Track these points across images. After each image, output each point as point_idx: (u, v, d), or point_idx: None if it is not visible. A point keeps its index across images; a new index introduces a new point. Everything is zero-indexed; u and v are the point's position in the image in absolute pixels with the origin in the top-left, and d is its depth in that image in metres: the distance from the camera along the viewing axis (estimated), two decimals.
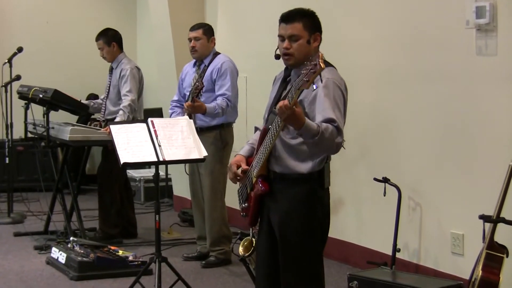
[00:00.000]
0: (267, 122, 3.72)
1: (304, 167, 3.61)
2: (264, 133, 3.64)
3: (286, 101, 3.30)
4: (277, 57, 3.71)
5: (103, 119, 6.91)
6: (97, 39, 7.03)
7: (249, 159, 3.81)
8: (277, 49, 3.69)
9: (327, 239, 3.77)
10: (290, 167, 3.63)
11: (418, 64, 5.39)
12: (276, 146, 3.63)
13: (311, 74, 3.18)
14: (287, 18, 3.67)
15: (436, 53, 5.22)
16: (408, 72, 5.50)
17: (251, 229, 4.12)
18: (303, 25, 3.64)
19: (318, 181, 3.64)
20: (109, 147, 6.60)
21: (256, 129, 3.98)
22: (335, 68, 3.71)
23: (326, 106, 3.49)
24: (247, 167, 3.76)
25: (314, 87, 3.31)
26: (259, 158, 3.66)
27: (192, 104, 5.68)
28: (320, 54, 3.22)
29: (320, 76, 3.24)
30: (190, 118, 5.55)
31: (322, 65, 3.16)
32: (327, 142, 3.43)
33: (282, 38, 3.67)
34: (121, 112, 6.69)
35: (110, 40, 6.97)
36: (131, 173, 8.98)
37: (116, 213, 6.97)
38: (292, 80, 3.65)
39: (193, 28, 6.18)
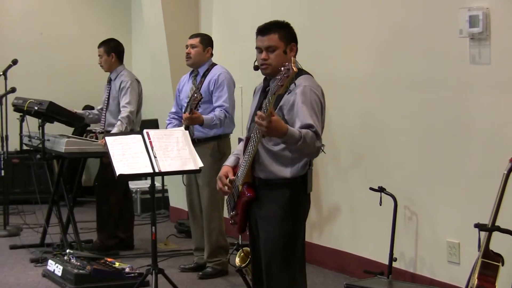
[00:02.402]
0: (249, 131, 3.85)
1: (287, 171, 3.73)
2: (247, 142, 3.75)
3: (260, 112, 3.40)
4: (256, 68, 3.87)
5: (103, 130, 6.89)
6: (99, 46, 7.04)
7: (235, 169, 3.94)
8: (255, 61, 3.86)
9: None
10: (274, 173, 3.74)
11: (412, 73, 5.41)
12: (259, 153, 3.74)
13: (285, 78, 3.30)
14: (264, 30, 3.83)
15: (430, 61, 5.24)
16: (402, 81, 5.51)
17: (240, 236, 4.20)
18: (279, 36, 3.79)
19: (302, 186, 3.76)
20: (104, 160, 6.62)
21: (240, 140, 4.17)
22: (311, 75, 3.84)
23: (304, 113, 3.62)
24: (233, 177, 3.89)
25: (289, 91, 3.51)
26: (243, 167, 3.78)
27: (190, 116, 5.69)
28: (292, 59, 3.35)
29: (296, 83, 3.34)
30: (187, 129, 5.57)
31: (295, 68, 3.28)
32: (309, 146, 3.56)
33: (259, 49, 3.83)
34: (119, 122, 6.69)
35: (110, 50, 6.98)
36: None
37: (113, 225, 6.97)
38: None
39: (191, 36, 6.26)
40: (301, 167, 3.74)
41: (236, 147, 4.10)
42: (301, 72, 3.77)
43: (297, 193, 3.76)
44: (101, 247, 6.85)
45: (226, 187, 3.89)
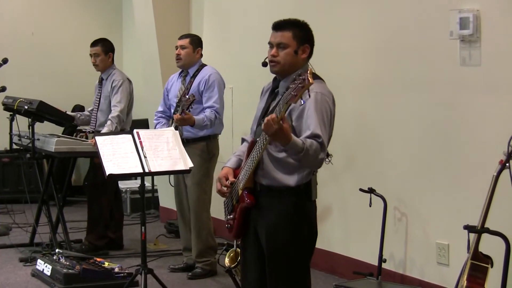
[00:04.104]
0: (255, 135, 3.72)
1: (291, 179, 3.61)
2: (252, 145, 3.63)
3: (273, 115, 3.29)
4: (264, 64, 3.72)
5: (94, 130, 6.87)
6: (94, 45, 6.98)
7: (236, 171, 3.80)
8: (266, 57, 3.71)
9: (314, 250, 3.77)
10: (278, 180, 3.62)
11: (403, 74, 5.42)
12: (263, 159, 3.61)
13: (300, 88, 3.17)
14: (278, 26, 3.70)
15: (421, 63, 5.25)
16: (393, 82, 5.52)
17: (235, 240, 4.12)
18: (293, 34, 3.66)
19: (305, 193, 3.65)
20: (95, 160, 6.60)
21: (243, 140, 3.97)
22: (323, 80, 3.72)
23: (313, 121, 3.51)
24: (234, 179, 3.75)
25: (302, 102, 3.30)
26: (246, 171, 3.65)
27: (181, 117, 5.67)
28: (309, 68, 3.23)
29: (308, 90, 3.25)
30: (177, 129, 5.55)
31: (311, 80, 3.15)
32: (311, 158, 3.46)
33: (271, 45, 3.69)
34: (109, 122, 6.67)
35: (108, 50, 6.96)
36: None
37: (104, 225, 6.95)
38: (281, 91, 3.66)
39: (181, 37, 6.23)
40: (306, 175, 3.62)
41: (239, 148, 3.95)
42: (313, 76, 3.63)
43: (302, 201, 3.64)
44: (90, 248, 6.83)
45: (225, 188, 3.75)
